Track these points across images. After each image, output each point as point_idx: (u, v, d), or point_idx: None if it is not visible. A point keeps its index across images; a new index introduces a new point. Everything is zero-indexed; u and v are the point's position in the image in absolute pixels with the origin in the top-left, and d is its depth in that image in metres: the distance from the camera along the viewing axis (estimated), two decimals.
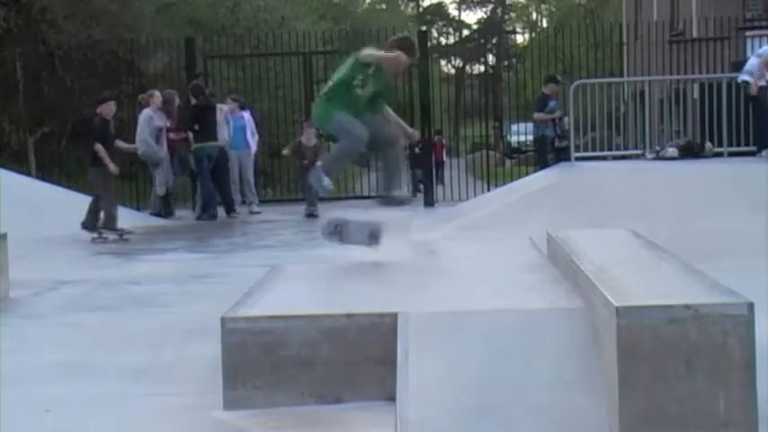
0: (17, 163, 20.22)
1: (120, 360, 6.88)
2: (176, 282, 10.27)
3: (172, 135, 16.95)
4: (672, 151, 14.44)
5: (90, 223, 13.57)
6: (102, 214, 13.57)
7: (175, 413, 5.74)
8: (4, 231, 9.53)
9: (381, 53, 7.95)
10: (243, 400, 5.65)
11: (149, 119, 16.80)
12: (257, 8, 29.19)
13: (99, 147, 13.42)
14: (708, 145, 14.87)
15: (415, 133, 9.22)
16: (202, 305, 8.40)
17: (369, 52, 8.02)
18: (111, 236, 13.43)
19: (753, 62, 14.36)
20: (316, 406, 5.62)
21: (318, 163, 16.45)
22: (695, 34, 23.19)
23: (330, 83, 8.24)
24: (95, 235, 13.44)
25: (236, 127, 17.70)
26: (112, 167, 13.44)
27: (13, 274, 9.43)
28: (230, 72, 21.52)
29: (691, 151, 14.47)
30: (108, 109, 13.80)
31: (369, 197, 19.33)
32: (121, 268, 11.45)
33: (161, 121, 16.90)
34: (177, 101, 17.21)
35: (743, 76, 14.37)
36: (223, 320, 5.76)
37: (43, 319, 8.47)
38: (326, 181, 8.02)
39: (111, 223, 13.47)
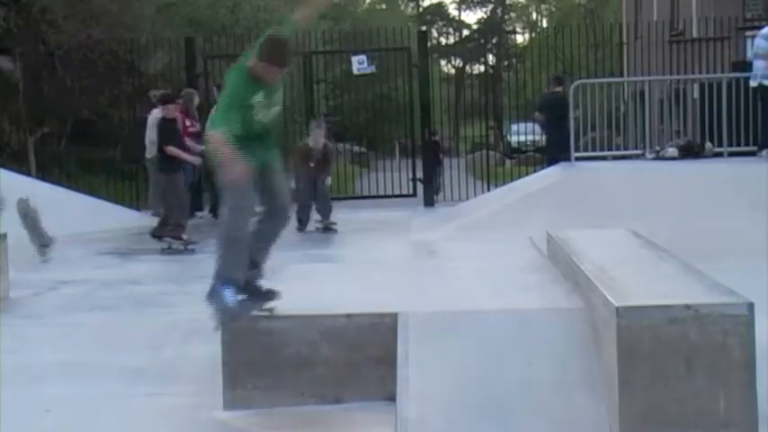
0: (17, 163, 20.18)
1: (120, 360, 6.88)
2: (176, 282, 10.27)
3: (191, 129, 16.90)
4: (672, 151, 14.43)
5: (159, 232, 13.10)
6: (166, 220, 13.14)
7: (175, 413, 5.75)
8: (5, 231, 9.53)
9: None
10: (243, 399, 5.65)
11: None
12: (257, 8, 29.19)
13: (172, 149, 13.03)
14: (708, 145, 14.85)
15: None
16: (203, 305, 8.39)
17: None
18: (176, 245, 12.87)
19: (760, 64, 14.22)
20: (315, 406, 5.62)
21: (328, 182, 14.21)
22: (695, 34, 23.18)
23: (222, 99, 5.94)
24: (164, 245, 13.01)
25: None
26: (191, 158, 13.12)
27: (14, 274, 9.43)
28: None
29: (691, 151, 14.45)
30: (171, 111, 13.45)
31: (367, 197, 19.42)
32: (122, 268, 11.45)
33: None
34: (197, 100, 17.16)
35: (762, 81, 14.13)
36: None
37: (43, 319, 8.47)
38: (228, 294, 5.78)
39: (178, 231, 13.01)
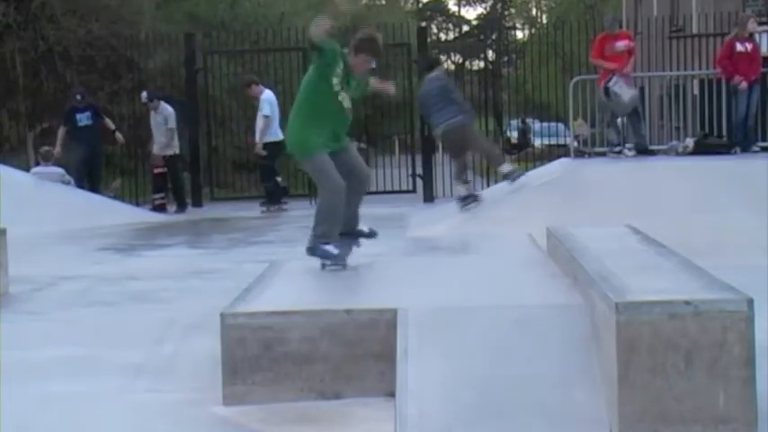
0: (16, 158, 20.20)
1: (119, 356, 6.87)
2: (176, 277, 10.26)
3: None
4: (688, 146, 14.31)
5: None
6: None
7: (175, 409, 5.75)
8: (4, 227, 9.53)
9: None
10: (242, 395, 5.66)
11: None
12: (257, 4, 29.18)
13: None
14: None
15: (391, 87, 8.72)
16: (202, 301, 8.40)
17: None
18: None
19: None
20: (315, 401, 5.62)
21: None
22: (695, 30, 23.18)
23: (302, 91, 7.37)
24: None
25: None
26: None
27: (13, 269, 9.42)
28: (230, 68, 21.49)
29: (708, 146, 14.28)
30: None
31: (367, 193, 19.40)
32: (121, 264, 11.44)
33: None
34: None
35: None
36: (223, 316, 5.76)
37: (43, 315, 8.47)
38: (330, 248, 7.23)
39: None
